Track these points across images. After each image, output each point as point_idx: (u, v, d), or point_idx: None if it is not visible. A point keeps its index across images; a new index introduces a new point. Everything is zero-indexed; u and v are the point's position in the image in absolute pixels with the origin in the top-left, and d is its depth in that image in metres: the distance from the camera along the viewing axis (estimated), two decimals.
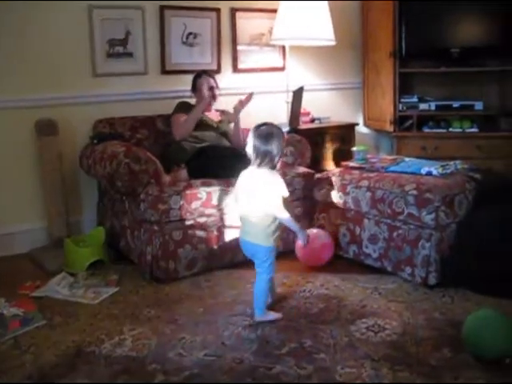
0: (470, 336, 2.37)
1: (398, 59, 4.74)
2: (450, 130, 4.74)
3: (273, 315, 2.78)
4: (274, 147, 2.66)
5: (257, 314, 2.77)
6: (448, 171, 3.24)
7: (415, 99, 4.84)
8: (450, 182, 3.13)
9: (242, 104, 3.84)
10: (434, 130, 4.75)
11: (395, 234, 3.15)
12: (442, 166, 3.27)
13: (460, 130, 4.71)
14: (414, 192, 3.04)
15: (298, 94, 4.23)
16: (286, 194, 2.72)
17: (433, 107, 4.82)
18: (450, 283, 3.02)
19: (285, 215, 2.70)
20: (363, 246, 3.34)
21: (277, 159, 2.70)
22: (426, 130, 4.77)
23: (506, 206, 2.99)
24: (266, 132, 2.68)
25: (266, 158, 2.66)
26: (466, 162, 3.41)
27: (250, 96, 3.84)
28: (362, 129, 5.16)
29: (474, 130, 4.70)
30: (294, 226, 2.79)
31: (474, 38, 4.77)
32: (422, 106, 4.82)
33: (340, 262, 3.44)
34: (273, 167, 2.70)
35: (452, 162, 3.35)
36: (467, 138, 4.66)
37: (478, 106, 4.78)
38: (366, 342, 2.53)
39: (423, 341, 2.52)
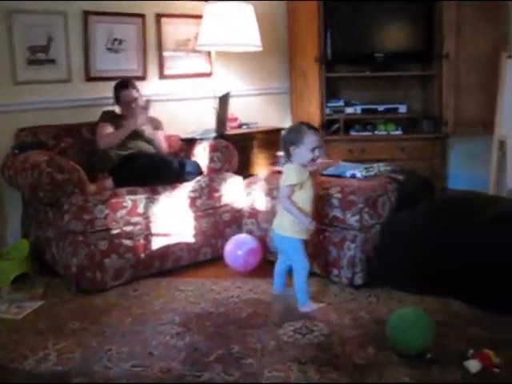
0: (393, 334, 2.43)
1: (324, 64, 4.83)
2: (376, 132, 4.85)
3: (316, 305, 2.90)
4: (285, 139, 2.86)
5: (300, 305, 2.89)
6: (371, 173, 3.32)
7: (342, 103, 4.94)
8: (374, 183, 3.20)
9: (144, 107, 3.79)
10: (361, 133, 4.86)
11: (322, 236, 3.20)
12: (365, 168, 3.34)
13: (385, 132, 4.84)
14: (339, 195, 3.10)
15: (223, 100, 4.24)
16: (289, 182, 2.81)
17: (359, 111, 4.93)
18: (375, 283, 3.09)
19: (287, 204, 2.80)
20: None
21: (292, 150, 2.82)
22: (353, 133, 4.87)
23: (426, 206, 3.09)
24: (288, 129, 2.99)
25: (284, 151, 2.88)
26: (388, 164, 3.50)
27: (146, 104, 3.79)
28: None
29: (399, 132, 4.84)
30: (298, 215, 2.81)
31: (398, 44, 4.93)
32: (349, 110, 4.92)
33: (268, 266, 3.45)
34: (288, 158, 2.86)
35: (375, 165, 3.43)
36: (392, 140, 4.79)
37: (402, 109, 4.93)
38: (294, 344, 2.55)
39: (349, 340, 2.57)
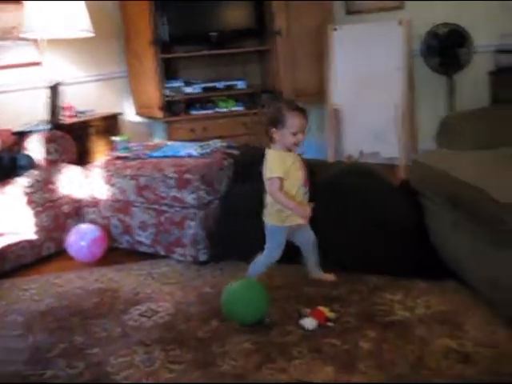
0: (225, 309, 2.50)
1: (158, 45, 4.78)
2: (217, 110, 4.91)
3: None
4: (265, 120, 2.58)
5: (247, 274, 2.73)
6: (207, 150, 3.37)
7: (181, 83, 4.93)
8: (209, 160, 3.25)
9: None
10: (202, 112, 4.88)
11: (163, 218, 3.21)
12: (200, 146, 3.38)
13: (226, 109, 4.90)
14: (174, 175, 3.11)
15: (54, 90, 4.09)
16: (275, 174, 2.55)
17: (198, 90, 4.95)
18: (220, 257, 3.16)
19: (279, 198, 2.56)
20: (135, 234, 3.36)
21: (272, 133, 2.56)
22: (194, 113, 4.89)
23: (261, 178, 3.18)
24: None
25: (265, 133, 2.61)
26: (224, 140, 3.57)
27: None
28: (135, 118, 5.15)
29: (239, 108, 4.92)
30: (293, 207, 2.57)
31: (231, 22, 4.99)
32: (188, 90, 4.93)
33: (115, 254, 3.43)
34: (270, 141, 2.60)
35: (211, 142, 3.48)
36: (233, 116, 4.87)
37: (241, 84, 5.02)
38: (139, 328, 2.56)
39: (194, 316, 2.62)
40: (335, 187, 3.00)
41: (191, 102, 4.95)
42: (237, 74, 5.18)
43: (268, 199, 2.66)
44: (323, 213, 2.79)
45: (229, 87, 5.00)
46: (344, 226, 2.90)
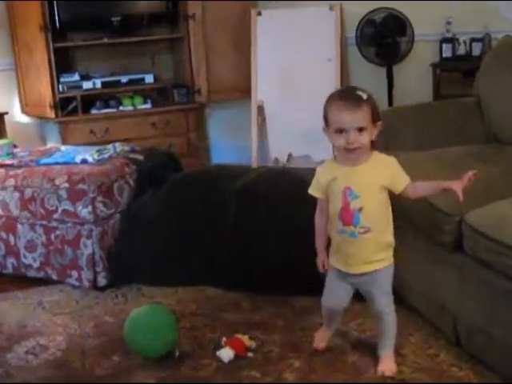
0: (130, 338, 2.48)
1: (50, 32, 4.72)
2: (121, 108, 4.87)
3: None
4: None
5: None
6: (105, 156, 3.36)
7: (77, 77, 4.88)
8: (107, 167, 3.25)
9: None
10: (103, 111, 4.84)
11: (53, 235, 3.19)
12: (97, 151, 3.38)
13: (132, 107, 4.87)
14: (66, 185, 3.10)
15: None
16: (309, 189, 2.28)
17: (99, 85, 4.89)
18: (121, 281, 3.16)
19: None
20: (21, 256, 3.31)
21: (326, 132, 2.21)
22: (94, 112, 4.83)
23: (169, 186, 3.20)
24: None
25: None
26: (126, 144, 3.57)
27: None
28: (22, 118, 5.06)
29: (147, 105, 4.91)
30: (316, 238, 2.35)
31: (138, 5, 4.96)
32: (86, 85, 4.86)
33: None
34: None
35: (110, 145, 3.48)
36: (140, 115, 4.85)
37: (149, 78, 4.98)
38: (25, 367, 2.53)
39: (90, 351, 2.60)
40: (249, 196, 3.05)
41: (90, 100, 4.90)
42: (145, 67, 5.15)
43: None
44: (235, 224, 2.84)
45: (135, 82, 4.97)
46: (261, 240, 2.96)
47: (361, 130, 2.08)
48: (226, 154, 5.13)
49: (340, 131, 2.09)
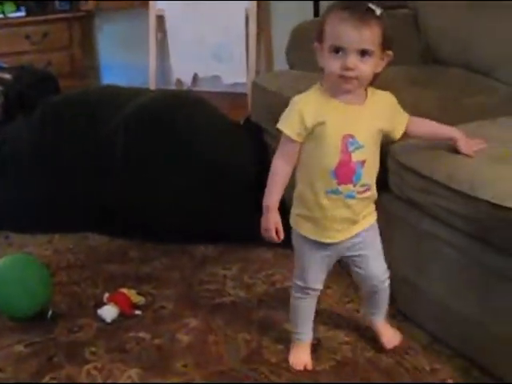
0: None
1: None
2: None
3: None
4: None
5: None
6: None
7: None
8: None
9: None
10: None
11: None
12: None
13: (1, 15, 4.68)
14: None
15: None
16: (278, 124, 1.94)
17: None
18: None
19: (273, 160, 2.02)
20: None
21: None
22: None
23: (43, 113, 3.10)
24: None
25: None
26: None
27: None
28: None
29: (21, 14, 4.72)
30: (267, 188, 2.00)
31: None
32: None
33: None
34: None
35: None
36: (12, 25, 4.68)
37: None
38: None
39: None
40: (141, 124, 2.98)
41: None
42: None
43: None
44: (123, 158, 2.78)
45: None
46: (155, 179, 2.91)
47: (364, 53, 1.81)
48: (119, 75, 5.01)
49: (336, 51, 1.82)
